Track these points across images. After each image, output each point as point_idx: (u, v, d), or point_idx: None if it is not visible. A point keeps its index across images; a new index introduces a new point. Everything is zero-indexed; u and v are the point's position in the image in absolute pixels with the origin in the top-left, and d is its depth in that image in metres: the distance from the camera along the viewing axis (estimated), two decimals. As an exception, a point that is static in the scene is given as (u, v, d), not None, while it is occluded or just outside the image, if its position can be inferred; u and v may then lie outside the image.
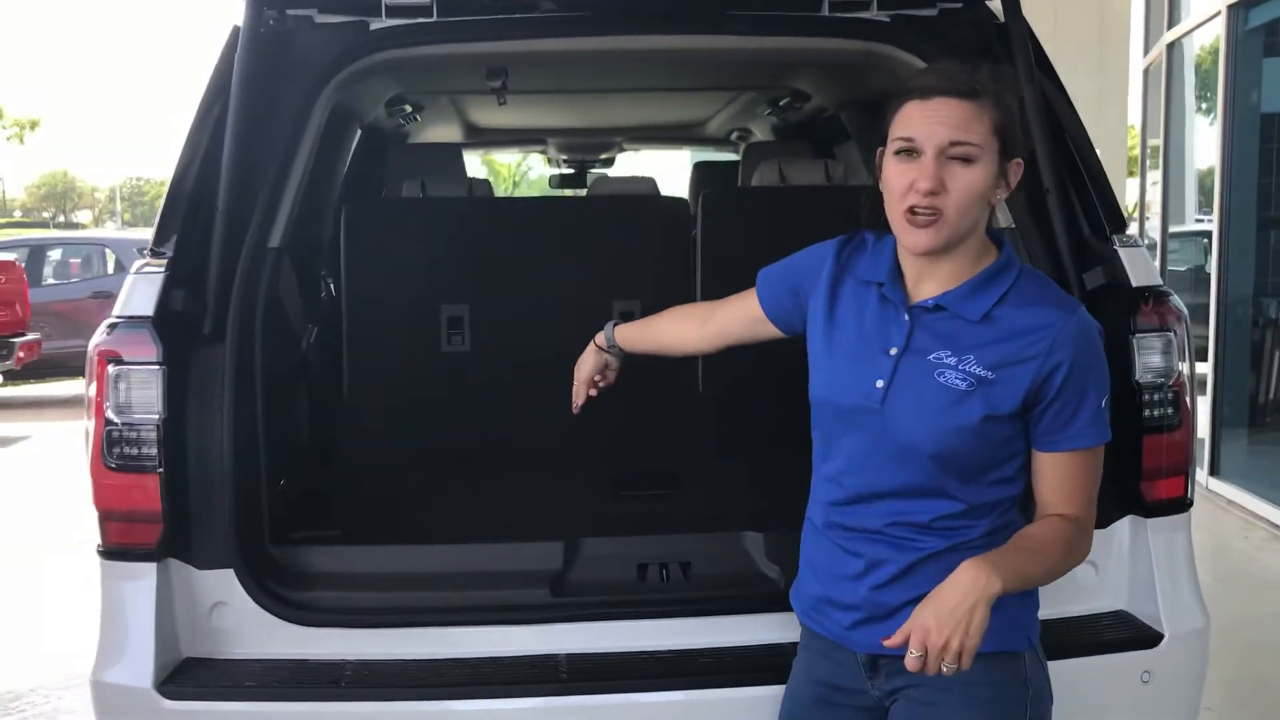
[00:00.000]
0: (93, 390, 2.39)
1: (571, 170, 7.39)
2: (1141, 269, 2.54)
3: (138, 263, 2.52)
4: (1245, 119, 7.26)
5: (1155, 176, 9.39)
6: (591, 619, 2.45)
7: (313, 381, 3.30)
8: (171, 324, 2.41)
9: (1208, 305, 7.43)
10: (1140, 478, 2.49)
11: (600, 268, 3.69)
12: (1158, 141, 9.06)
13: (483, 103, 5.21)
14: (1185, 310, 2.56)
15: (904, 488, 1.84)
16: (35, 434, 10.34)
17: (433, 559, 2.61)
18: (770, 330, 2.13)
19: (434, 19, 2.75)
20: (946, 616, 1.62)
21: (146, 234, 2.60)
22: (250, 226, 2.56)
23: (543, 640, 2.44)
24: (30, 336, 11.69)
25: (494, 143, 7.24)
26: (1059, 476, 1.83)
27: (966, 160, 1.77)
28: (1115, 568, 2.54)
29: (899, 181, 1.80)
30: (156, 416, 2.37)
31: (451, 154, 5.01)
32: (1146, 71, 9.80)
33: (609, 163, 7.41)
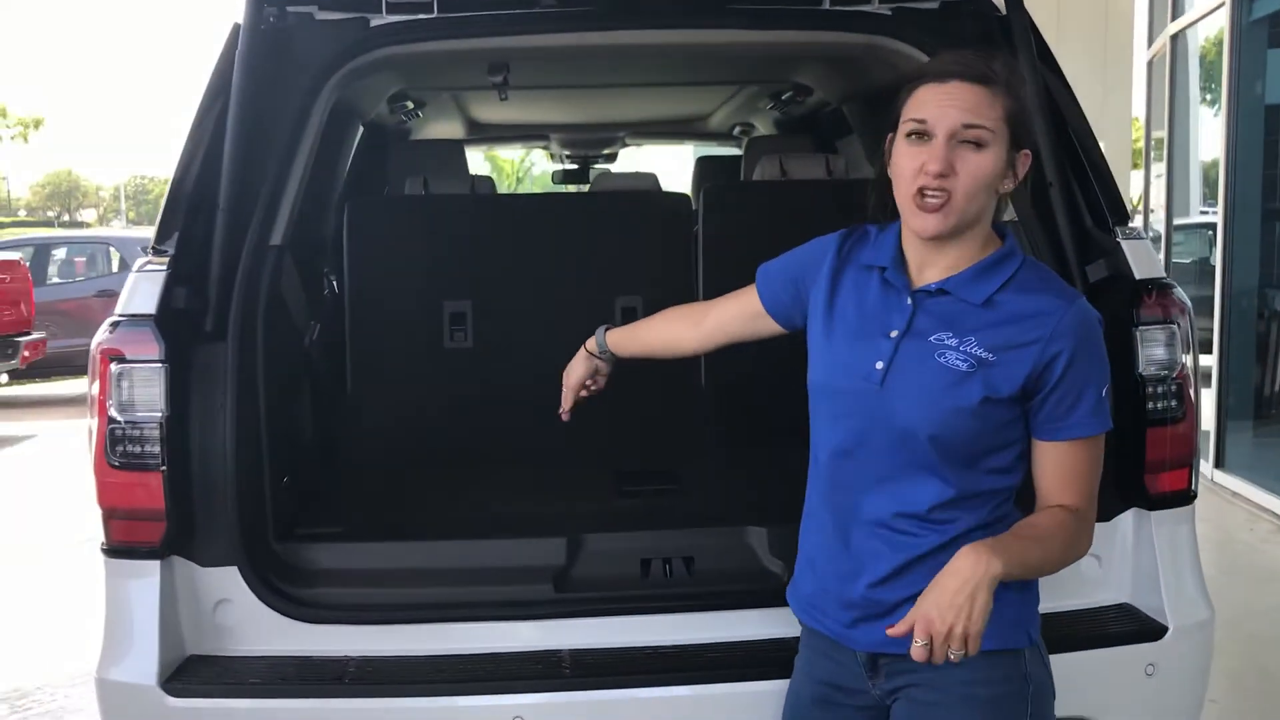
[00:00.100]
0: (96, 388, 2.40)
1: (574, 166, 7.38)
2: (1145, 261, 2.54)
3: (140, 261, 2.52)
4: (1249, 110, 7.24)
5: (1159, 169, 9.37)
6: (595, 614, 2.46)
7: (315, 378, 3.30)
8: (174, 322, 2.41)
9: (1212, 297, 7.42)
10: (1144, 470, 2.48)
11: (602, 264, 3.69)
12: (1162, 133, 9.04)
13: (484, 98, 5.21)
14: (1189, 302, 2.56)
15: (901, 473, 1.83)
16: (40, 433, 10.36)
17: (436, 555, 2.61)
18: (769, 326, 2.12)
19: (434, 15, 2.75)
20: (948, 603, 1.62)
21: (149, 232, 2.60)
22: (252, 224, 2.56)
23: (546, 636, 2.44)
24: (35, 335, 11.71)
25: (496, 139, 7.24)
26: (1060, 466, 1.83)
27: (977, 145, 1.78)
28: (1119, 560, 2.53)
29: (909, 164, 1.80)
30: (159, 414, 2.37)
31: (454, 150, 5.01)
32: (1150, 63, 9.78)
33: (612, 158, 7.41)
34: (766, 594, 2.42)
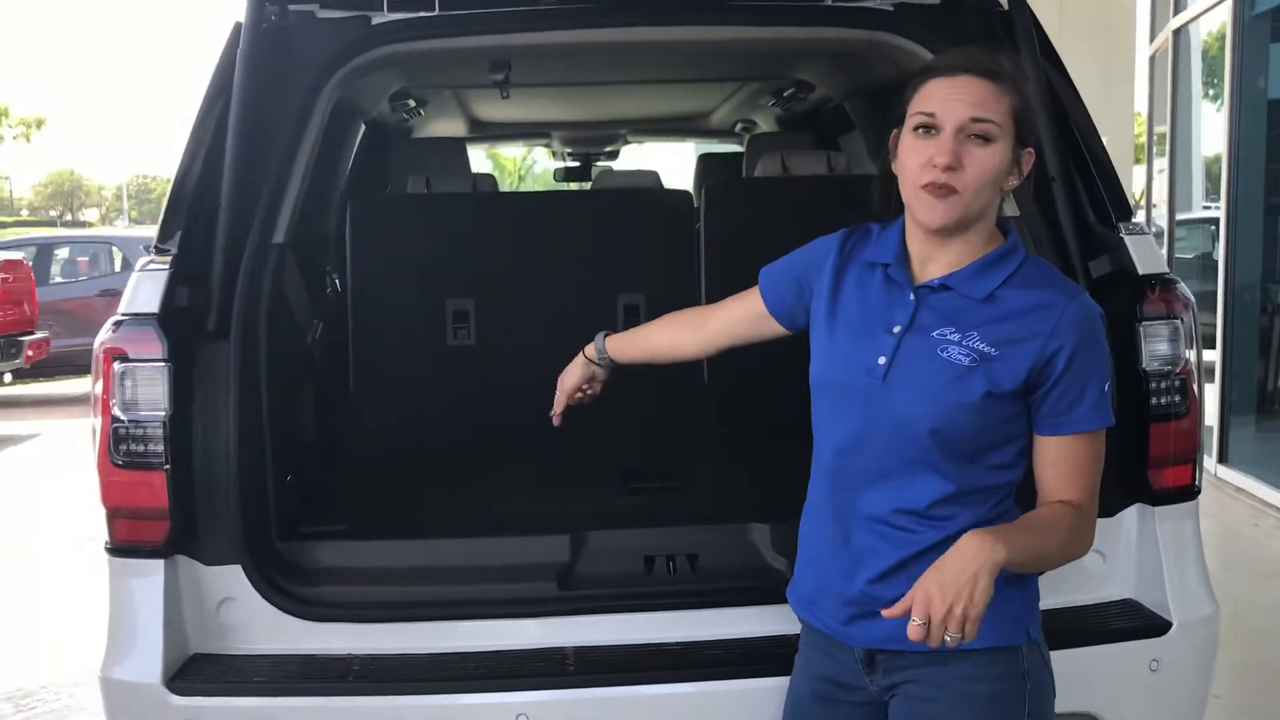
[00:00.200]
0: (99, 388, 2.40)
1: (576, 164, 7.38)
2: (1148, 257, 2.53)
3: (142, 260, 2.52)
4: (1252, 105, 7.23)
5: (1161, 164, 9.36)
6: (599, 612, 2.45)
7: (318, 377, 3.30)
8: (177, 321, 2.41)
9: (1215, 292, 7.42)
10: (1147, 466, 2.48)
11: (605, 261, 3.69)
12: (1164, 128, 9.03)
13: (486, 96, 5.20)
14: (1192, 297, 2.55)
15: (902, 469, 1.83)
16: (43, 432, 10.38)
17: (439, 553, 2.61)
18: (773, 327, 2.12)
19: (435, 13, 2.74)
20: (950, 582, 1.60)
21: (152, 232, 2.60)
22: (254, 223, 2.56)
23: (550, 633, 2.44)
24: (38, 335, 11.74)
25: (498, 137, 7.24)
26: (1062, 461, 1.82)
27: (985, 139, 1.78)
28: (1123, 556, 2.53)
29: (916, 158, 1.80)
30: (162, 413, 2.37)
31: (455, 148, 5.01)
32: (1153, 58, 9.77)
33: (613, 155, 7.41)
34: (770, 591, 2.41)
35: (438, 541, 2.64)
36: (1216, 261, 7.55)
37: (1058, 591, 2.43)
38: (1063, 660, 2.08)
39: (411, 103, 4.88)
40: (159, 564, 2.38)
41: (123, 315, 2.42)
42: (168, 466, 2.37)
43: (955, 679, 1.82)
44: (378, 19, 2.74)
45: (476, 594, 2.49)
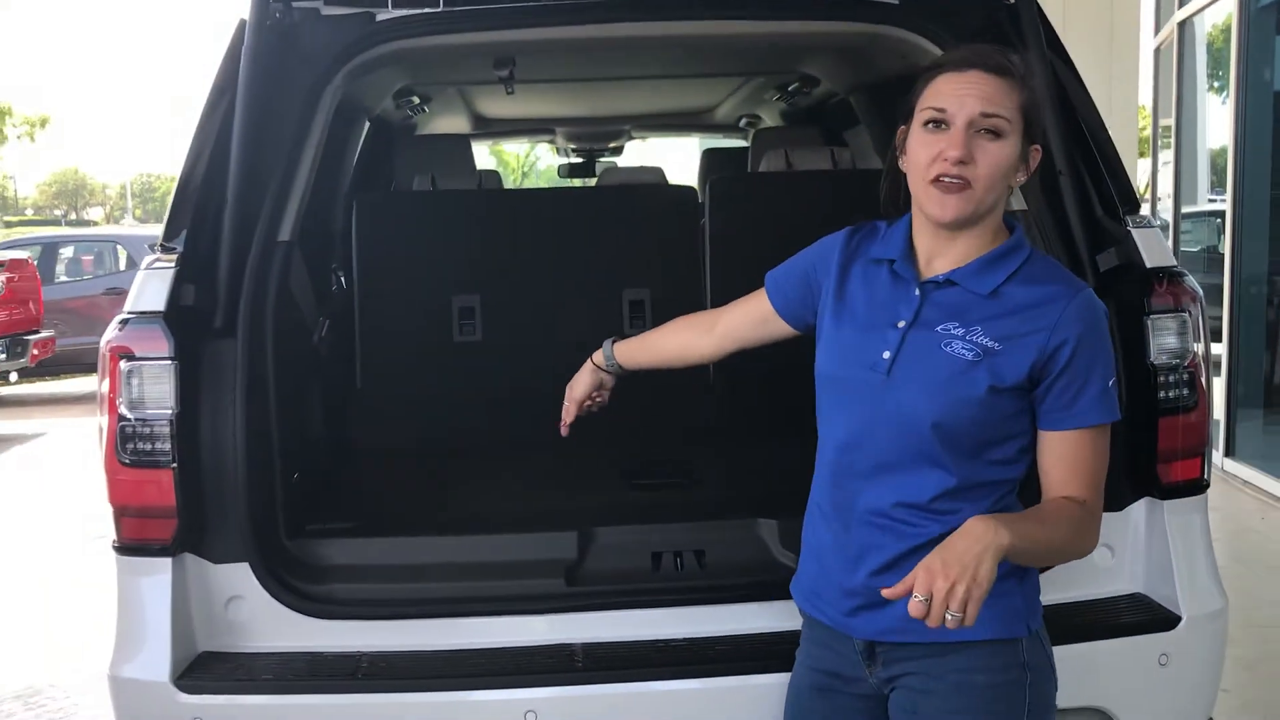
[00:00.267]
0: (105, 386, 2.40)
1: (580, 159, 7.38)
2: (1156, 250, 2.52)
3: (148, 258, 2.52)
4: (1258, 97, 7.21)
5: (1166, 157, 9.34)
6: (607, 608, 2.45)
7: (325, 374, 3.30)
8: (183, 319, 2.41)
9: (1221, 285, 7.40)
10: (1156, 460, 2.47)
11: (610, 256, 3.69)
12: (1169, 121, 9.01)
13: (490, 93, 5.21)
14: (1200, 290, 2.55)
15: (905, 463, 1.83)
16: (49, 431, 10.39)
17: (447, 550, 2.61)
18: (781, 328, 2.12)
19: (440, 9, 2.74)
20: (954, 560, 1.59)
21: (158, 230, 2.60)
22: (260, 220, 2.56)
23: (558, 630, 2.44)
24: (44, 334, 11.76)
25: (502, 133, 7.24)
26: (1065, 456, 1.82)
27: (995, 134, 1.78)
28: (1132, 550, 2.53)
29: (925, 153, 1.81)
30: (169, 411, 2.37)
31: (460, 145, 5.02)
32: (1157, 51, 9.74)
33: (618, 151, 7.40)
34: (777, 587, 2.40)
35: (445, 538, 2.64)
36: (1222, 254, 7.53)
37: (1066, 586, 2.43)
38: (1072, 655, 2.08)
39: (415, 99, 4.88)
40: (167, 562, 2.38)
41: (129, 313, 2.42)
42: (175, 465, 2.37)
43: (954, 670, 1.83)
44: (382, 15, 2.74)
45: (484, 591, 2.49)
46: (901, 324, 1.85)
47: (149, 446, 2.37)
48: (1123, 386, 2.44)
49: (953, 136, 1.78)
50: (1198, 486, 2.52)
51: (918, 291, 1.87)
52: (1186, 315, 2.48)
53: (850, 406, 1.89)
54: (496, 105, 5.82)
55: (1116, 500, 2.47)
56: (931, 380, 1.81)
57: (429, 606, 2.47)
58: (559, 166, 7.84)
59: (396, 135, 5.21)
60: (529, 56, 3.57)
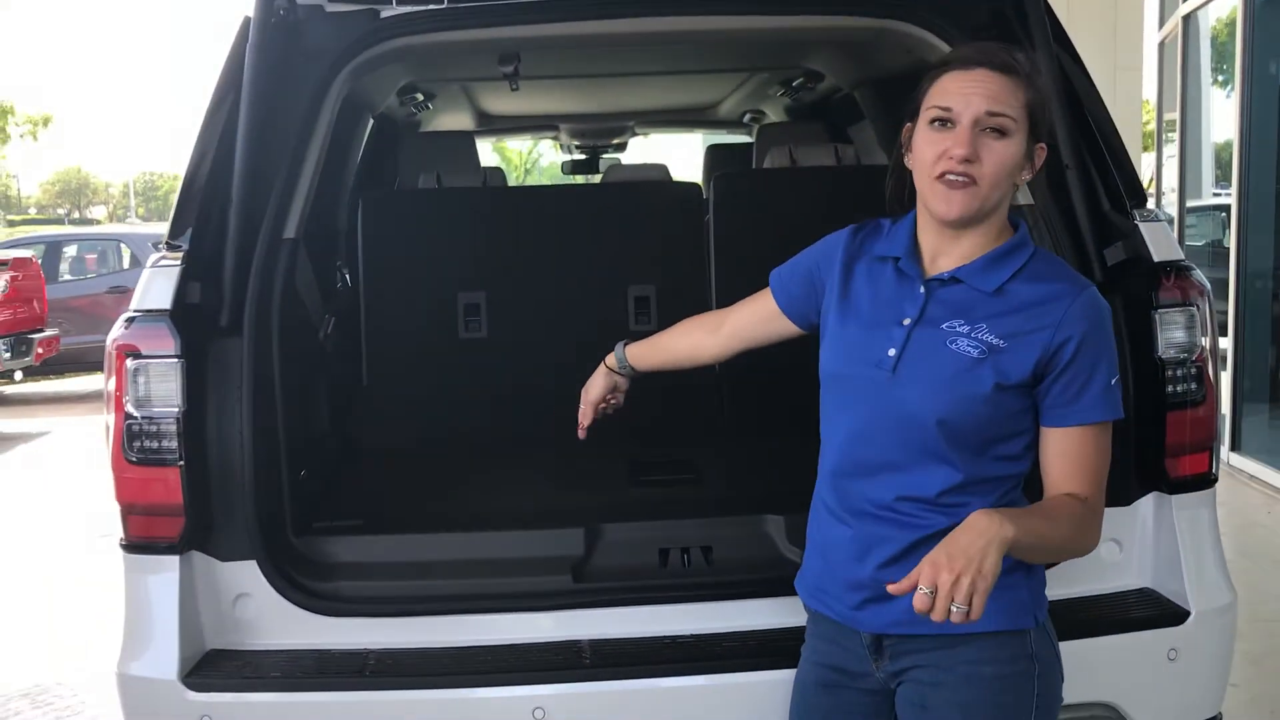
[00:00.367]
0: (112, 385, 2.40)
1: (584, 156, 7.37)
2: (1163, 244, 2.52)
3: (154, 256, 2.51)
4: (1263, 91, 7.19)
5: (1171, 151, 9.32)
6: (614, 604, 2.45)
7: (331, 371, 3.30)
8: (189, 317, 2.41)
9: (1226, 279, 7.38)
10: (1164, 454, 2.47)
11: (614, 253, 3.69)
12: (1173, 115, 8.99)
13: (494, 89, 5.21)
14: (1207, 284, 2.54)
15: (911, 460, 1.83)
16: (54, 429, 10.40)
17: (454, 547, 2.61)
18: (786, 327, 2.13)
19: (444, 5, 2.74)
20: (959, 553, 1.59)
21: (161, 228, 2.60)
22: (265, 218, 2.56)
23: (565, 626, 2.44)
24: (48, 332, 11.76)
25: (505, 129, 7.23)
26: (1068, 453, 1.82)
27: (1000, 133, 1.79)
28: (1140, 545, 2.52)
29: (931, 151, 1.81)
30: (176, 409, 2.37)
31: (464, 142, 5.02)
32: (1162, 45, 9.72)
33: (621, 147, 7.40)
34: (784, 583, 2.40)
35: (451, 535, 2.64)
36: (1227, 248, 7.51)
37: (1075, 581, 2.42)
38: (1080, 650, 2.07)
39: (419, 96, 4.88)
40: (174, 560, 2.38)
41: (135, 312, 2.41)
42: (182, 462, 2.37)
43: (963, 661, 1.83)
44: (386, 12, 2.73)
45: (491, 588, 2.49)
46: (907, 321, 1.85)
47: (156, 445, 2.37)
48: (1130, 381, 2.44)
49: (958, 135, 1.78)
50: (1206, 481, 2.52)
51: (923, 289, 1.87)
52: (1194, 309, 2.48)
53: (855, 404, 1.89)
54: (500, 102, 5.81)
55: (1124, 495, 2.47)
56: (937, 377, 1.81)
57: (436, 603, 2.47)
58: (562, 163, 7.84)
59: (400, 132, 5.21)
60: (533, 52, 3.56)
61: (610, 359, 2.35)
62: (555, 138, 7.56)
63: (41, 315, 11.71)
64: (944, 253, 1.88)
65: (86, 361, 12.47)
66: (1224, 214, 7.98)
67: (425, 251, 3.65)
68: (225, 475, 2.41)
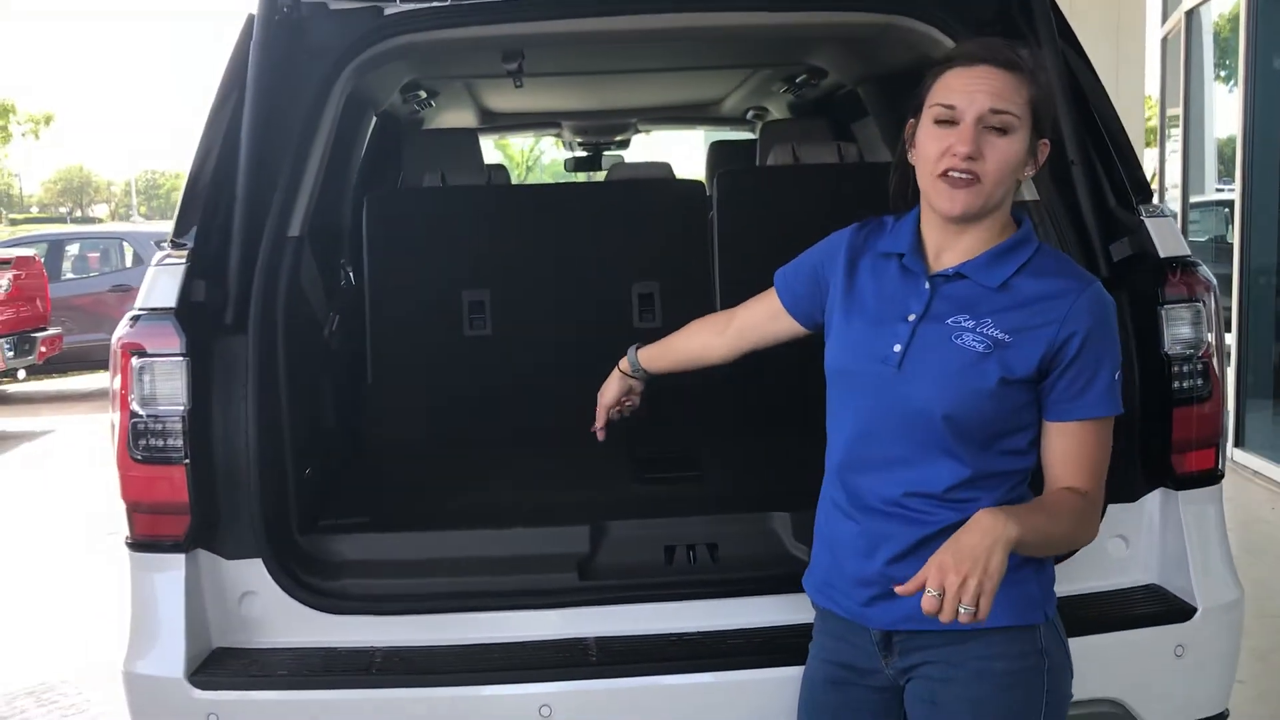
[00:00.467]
0: (117, 383, 2.39)
1: (586, 153, 7.37)
2: (1169, 239, 2.51)
3: (158, 254, 2.51)
4: (1266, 86, 7.18)
5: (1174, 146, 9.31)
6: (620, 602, 2.45)
7: (336, 369, 3.30)
8: (194, 315, 2.41)
9: (1229, 275, 7.37)
10: (1170, 450, 2.46)
11: (618, 251, 3.69)
12: (1176, 111, 8.98)
13: (498, 86, 5.20)
14: (1213, 280, 2.53)
15: (917, 455, 1.84)
16: (58, 428, 10.41)
17: (460, 544, 2.60)
18: (791, 326, 2.13)
19: (448, 2, 2.73)
20: (965, 554, 1.60)
21: (163, 227, 2.60)
22: (270, 215, 2.56)
23: (571, 624, 2.43)
24: (51, 331, 11.77)
25: (508, 127, 7.23)
26: (1070, 448, 1.83)
27: (1004, 130, 1.79)
28: (1146, 541, 2.52)
29: (934, 148, 1.81)
30: (181, 408, 2.37)
31: (468, 140, 5.01)
32: (1165, 40, 9.70)
33: (624, 144, 7.39)
34: (791, 580, 2.39)
35: (457, 533, 2.64)
36: (1231, 244, 7.50)
37: (1081, 577, 2.42)
38: (1087, 646, 2.06)
39: (422, 93, 4.87)
40: (180, 558, 2.38)
41: (140, 310, 2.41)
42: (187, 461, 2.37)
43: (973, 657, 1.83)
44: (390, 9, 2.73)
45: (497, 585, 2.49)
46: (912, 317, 1.86)
47: (161, 443, 2.37)
48: (1137, 377, 2.44)
49: (962, 132, 1.78)
50: (1212, 477, 2.51)
51: (928, 285, 1.87)
52: (1200, 305, 2.48)
53: (861, 400, 1.89)
54: (503, 99, 5.81)
55: (1131, 491, 2.47)
56: (943, 373, 1.81)
57: (442, 601, 2.47)
58: (565, 161, 7.83)
59: (403, 130, 5.21)
60: (536, 50, 3.56)
61: (624, 363, 2.37)
62: (558, 134, 7.55)
63: (44, 314, 11.72)
64: (948, 248, 1.88)
65: (89, 360, 12.48)
66: (1227, 210, 7.97)
67: (429, 249, 3.65)
68: (231, 473, 2.41)
